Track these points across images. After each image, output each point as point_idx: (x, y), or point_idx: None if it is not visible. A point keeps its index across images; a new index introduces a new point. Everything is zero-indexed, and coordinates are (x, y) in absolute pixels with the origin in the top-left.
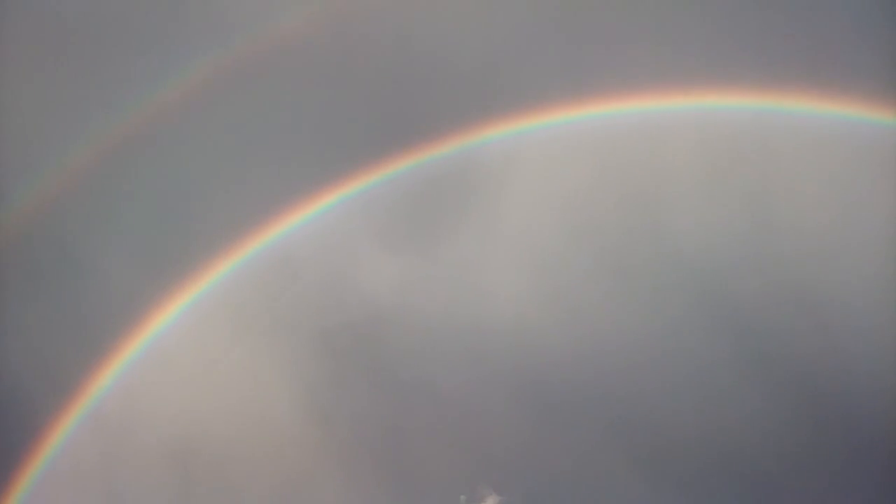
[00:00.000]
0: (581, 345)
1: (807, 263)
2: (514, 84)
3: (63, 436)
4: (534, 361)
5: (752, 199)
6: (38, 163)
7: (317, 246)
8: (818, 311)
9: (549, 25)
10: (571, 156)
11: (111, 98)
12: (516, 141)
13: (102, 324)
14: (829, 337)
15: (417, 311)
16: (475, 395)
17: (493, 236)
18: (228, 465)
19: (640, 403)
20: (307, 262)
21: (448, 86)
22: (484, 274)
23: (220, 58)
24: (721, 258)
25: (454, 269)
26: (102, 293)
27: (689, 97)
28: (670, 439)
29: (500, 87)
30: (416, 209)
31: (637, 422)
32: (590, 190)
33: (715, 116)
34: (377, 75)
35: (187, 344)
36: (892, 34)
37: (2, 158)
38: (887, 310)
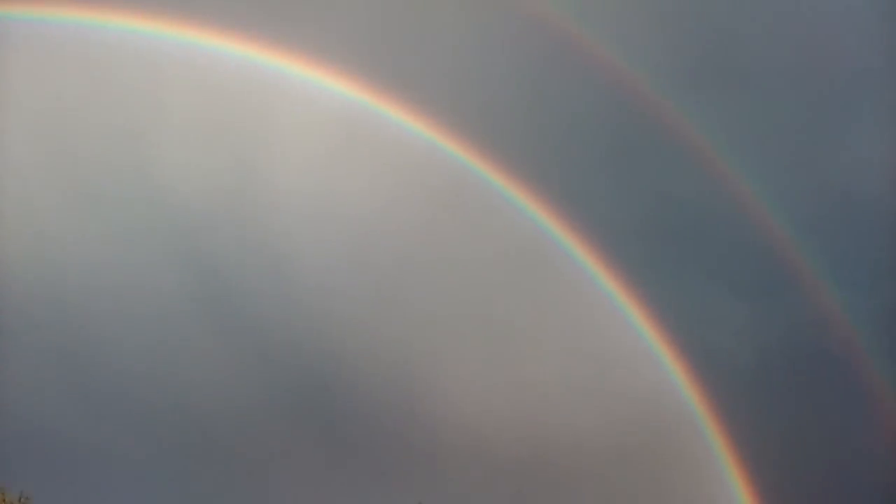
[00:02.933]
0: (36, 275)
1: (278, 227)
2: None
3: None
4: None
5: (242, 155)
6: None
7: None
8: (281, 274)
9: None
10: (58, 64)
11: None
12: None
13: None
14: (291, 292)
15: None
16: None
17: None
18: None
19: (100, 343)
20: None
21: None
22: None
23: None
24: (201, 207)
25: None
26: None
27: (203, 34)
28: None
29: None
30: None
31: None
32: (78, 112)
33: (225, 64)
34: None
35: None
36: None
37: None
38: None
